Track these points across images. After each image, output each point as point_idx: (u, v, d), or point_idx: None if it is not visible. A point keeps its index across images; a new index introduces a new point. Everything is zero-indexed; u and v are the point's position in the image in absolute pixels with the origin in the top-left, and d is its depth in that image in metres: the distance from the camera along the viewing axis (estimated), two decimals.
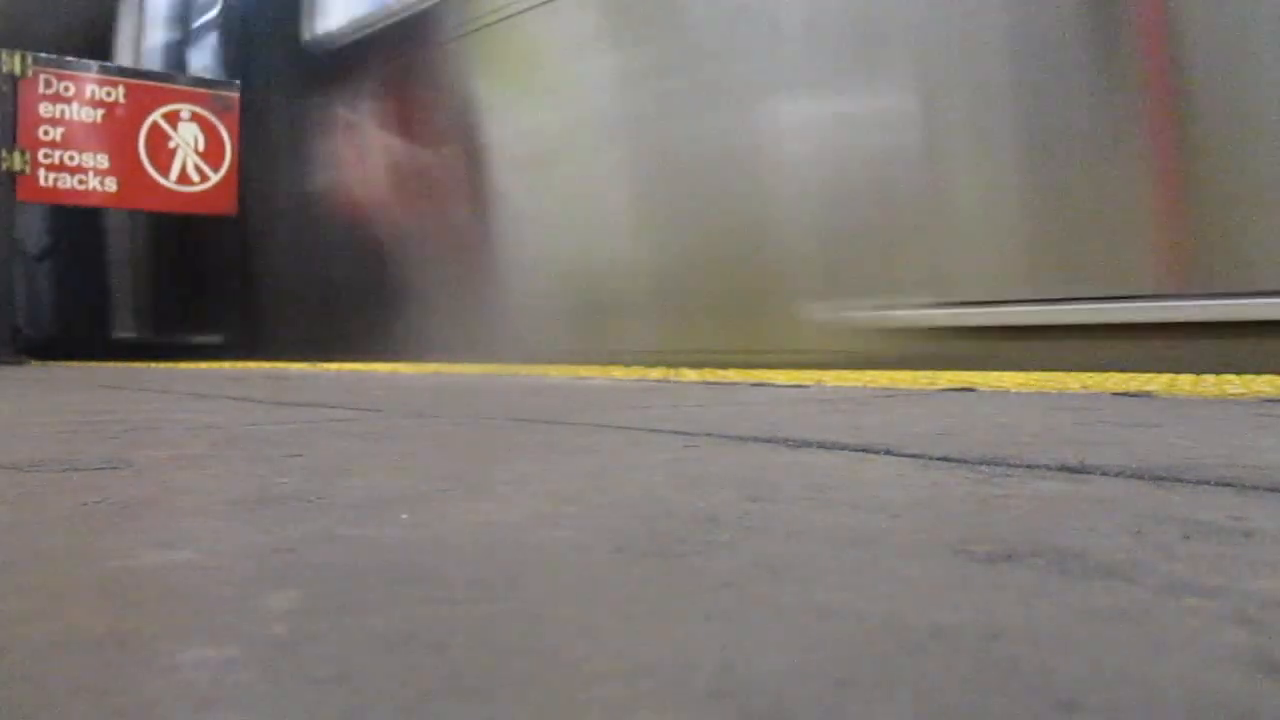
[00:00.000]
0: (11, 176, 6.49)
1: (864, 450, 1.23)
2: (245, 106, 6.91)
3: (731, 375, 3.04)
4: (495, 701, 0.42)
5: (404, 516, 0.83)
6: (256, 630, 0.52)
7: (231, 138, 7.30)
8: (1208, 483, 0.94)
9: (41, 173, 6.58)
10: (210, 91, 7.34)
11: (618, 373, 3.35)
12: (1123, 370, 2.54)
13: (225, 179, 7.32)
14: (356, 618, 0.54)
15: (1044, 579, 0.60)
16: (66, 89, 6.72)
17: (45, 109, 6.61)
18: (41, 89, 6.61)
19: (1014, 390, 2.21)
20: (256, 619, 0.54)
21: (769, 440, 1.35)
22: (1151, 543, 0.69)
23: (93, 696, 0.42)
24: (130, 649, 0.49)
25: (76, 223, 7.49)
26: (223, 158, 7.40)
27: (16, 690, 0.43)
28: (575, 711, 0.41)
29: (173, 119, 7.14)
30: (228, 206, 7.38)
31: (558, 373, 3.45)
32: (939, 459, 1.13)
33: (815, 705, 0.41)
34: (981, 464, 1.09)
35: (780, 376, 2.79)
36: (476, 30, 4.56)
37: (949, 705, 0.41)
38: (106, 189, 6.84)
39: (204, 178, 7.26)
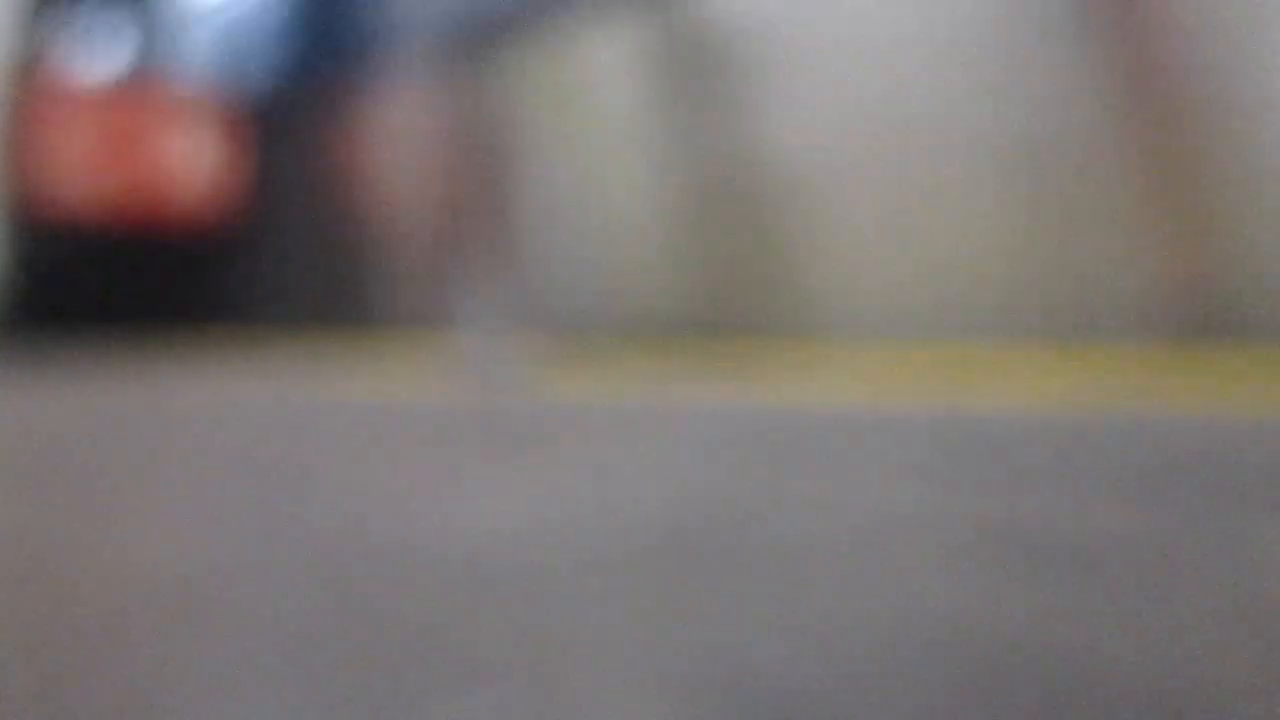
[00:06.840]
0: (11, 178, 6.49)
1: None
2: None
3: None
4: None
5: None
6: None
7: (232, 140, 7.30)
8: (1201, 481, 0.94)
9: (45, 174, 6.58)
10: (213, 94, 7.34)
11: None
12: None
13: (225, 181, 7.32)
14: None
15: (1043, 577, 0.61)
16: (70, 89, 6.72)
17: (49, 111, 6.60)
18: (44, 90, 6.61)
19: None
20: None
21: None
22: (1149, 540, 0.70)
23: None
24: None
25: None
26: (224, 160, 7.40)
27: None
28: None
29: (177, 120, 7.14)
30: (227, 207, 7.37)
31: None
32: (940, 463, 1.14)
33: (817, 702, 0.41)
34: (982, 468, 1.09)
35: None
36: None
37: (948, 702, 0.41)
38: (109, 190, 6.84)
39: (205, 179, 7.26)
